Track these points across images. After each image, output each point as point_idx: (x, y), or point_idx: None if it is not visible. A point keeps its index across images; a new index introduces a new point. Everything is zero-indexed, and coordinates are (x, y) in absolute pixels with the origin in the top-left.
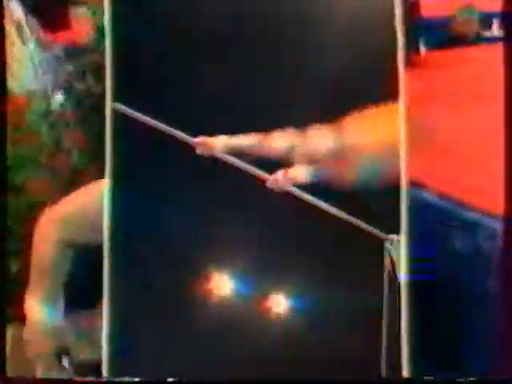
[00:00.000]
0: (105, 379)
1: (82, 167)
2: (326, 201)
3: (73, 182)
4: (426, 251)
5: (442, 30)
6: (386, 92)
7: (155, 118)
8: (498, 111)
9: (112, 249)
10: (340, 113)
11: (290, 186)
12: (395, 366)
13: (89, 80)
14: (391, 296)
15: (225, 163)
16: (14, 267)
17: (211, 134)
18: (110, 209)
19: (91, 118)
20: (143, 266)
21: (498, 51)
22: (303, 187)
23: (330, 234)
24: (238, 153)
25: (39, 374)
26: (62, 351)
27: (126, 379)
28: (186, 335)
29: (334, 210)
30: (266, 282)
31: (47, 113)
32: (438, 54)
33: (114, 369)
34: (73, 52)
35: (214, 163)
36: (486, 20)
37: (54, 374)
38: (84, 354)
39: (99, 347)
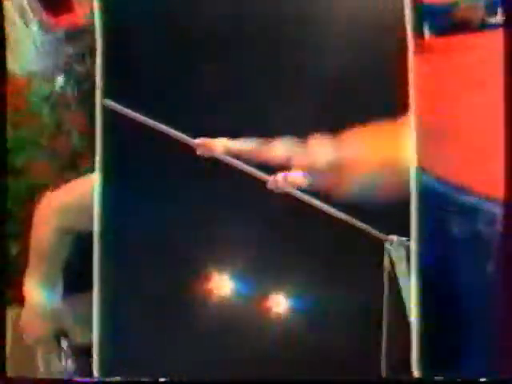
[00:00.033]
0: (105, 379)
1: (82, 149)
2: (325, 201)
3: (73, 164)
4: (427, 238)
5: (446, 17)
6: (386, 92)
7: (155, 118)
8: (499, 97)
9: (104, 250)
10: (340, 113)
11: (289, 188)
12: (395, 366)
13: (88, 62)
14: (391, 296)
15: (225, 164)
16: (14, 250)
17: (211, 134)
18: (104, 208)
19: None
20: (143, 268)
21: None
22: (303, 189)
23: (329, 234)
24: (237, 156)
25: (39, 357)
26: (60, 333)
27: (124, 379)
28: (185, 335)
29: (333, 211)
30: (266, 282)
31: (48, 95)
32: (442, 41)
33: (105, 368)
34: (73, 34)
35: (214, 164)
36: (491, 6)
37: (54, 357)
38: (81, 337)
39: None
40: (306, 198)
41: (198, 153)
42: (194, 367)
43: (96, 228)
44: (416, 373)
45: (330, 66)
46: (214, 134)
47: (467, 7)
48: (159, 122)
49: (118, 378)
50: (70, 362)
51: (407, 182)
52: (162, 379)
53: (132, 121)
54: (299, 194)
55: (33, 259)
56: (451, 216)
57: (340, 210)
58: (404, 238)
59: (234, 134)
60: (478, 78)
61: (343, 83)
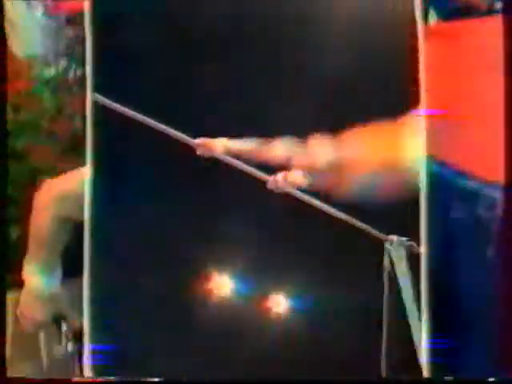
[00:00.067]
0: (104, 379)
1: (83, 133)
2: (325, 201)
3: (74, 147)
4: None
5: (454, 1)
6: (386, 92)
7: (155, 118)
8: (502, 82)
9: (95, 249)
10: (340, 113)
11: (289, 188)
12: (395, 366)
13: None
14: (391, 296)
15: (225, 164)
16: (14, 234)
17: (211, 134)
18: (104, 207)
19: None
20: (142, 268)
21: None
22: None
23: (329, 234)
24: (237, 156)
25: (41, 343)
26: (59, 317)
27: (123, 379)
28: (185, 335)
29: (333, 211)
30: (266, 282)
31: (49, 78)
32: (448, 25)
33: (104, 369)
34: (74, 19)
35: (214, 164)
36: None
37: (55, 340)
38: (80, 321)
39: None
40: (306, 197)
41: (198, 153)
42: (194, 367)
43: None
44: (425, 373)
45: (330, 66)
46: (214, 134)
47: None
48: (159, 121)
49: (116, 378)
50: (70, 345)
51: (407, 182)
52: (161, 379)
53: (132, 120)
54: (299, 194)
55: (32, 245)
56: (452, 200)
57: (340, 210)
58: (404, 238)
59: (234, 134)
60: (480, 62)
61: (343, 83)
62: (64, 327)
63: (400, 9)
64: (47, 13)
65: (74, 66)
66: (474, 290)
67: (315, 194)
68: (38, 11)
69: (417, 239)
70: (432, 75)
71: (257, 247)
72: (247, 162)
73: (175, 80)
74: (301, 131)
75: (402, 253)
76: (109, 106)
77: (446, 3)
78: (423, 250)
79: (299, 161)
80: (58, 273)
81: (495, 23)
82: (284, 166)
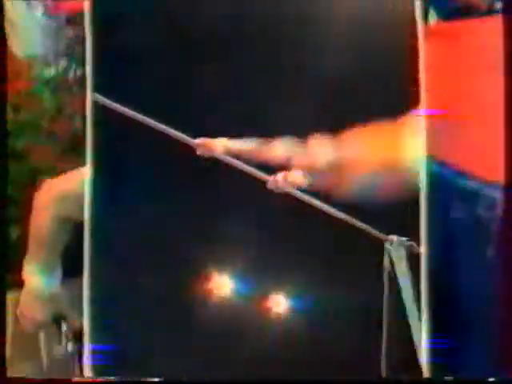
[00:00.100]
0: (103, 379)
1: (83, 133)
2: (325, 201)
3: (74, 147)
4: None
5: (454, 1)
6: (386, 92)
7: (155, 118)
8: (502, 82)
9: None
10: (340, 113)
11: (289, 188)
12: (395, 366)
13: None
14: (391, 296)
15: (225, 164)
16: (14, 234)
17: (211, 134)
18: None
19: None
20: (142, 268)
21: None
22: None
23: (329, 234)
24: (237, 156)
25: (41, 343)
26: (59, 317)
27: (123, 379)
28: (185, 335)
29: (333, 211)
30: (266, 282)
31: (49, 78)
32: (448, 25)
33: (104, 369)
34: (74, 19)
35: (214, 164)
36: None
37: (55, 340)
38: (80, 321)
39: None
40: (306, 197)
41: (198, 153)
42: (194, 367)
43: (87, 231)
44: (425, 373)
45: (330, 66)
46: (214, 134)
47: None
48: (159, 121)
49: (116, 378)
50: (70, 345)
51: (407, 182)
52: (161, 379)
53: (132, 120)
54: (299, 194)
55: (32, 245)
56: (452, 200)
57: (340, 210)
58: (404, 238)
59: (234, 134)
60: (483, 63)
61: (343, 83)
62: (64, 327)
63: (400, 9)
64: (47, 13)
65: (74, 66)
66: (474, 290)
67: (315, 194)
68: (38, 11)
69: (417, 239)
70: (432, 75)
71: (257, 247)
72: (247, 161)
73: (175, 80)
74: (301, 131)
75: (402, 253)
76: (109, 106)
77: (446, 3)
78: (423, 249)
79: (299, 161)
80: (58, 273)
81: (495, 23)
82: (284, 166)
